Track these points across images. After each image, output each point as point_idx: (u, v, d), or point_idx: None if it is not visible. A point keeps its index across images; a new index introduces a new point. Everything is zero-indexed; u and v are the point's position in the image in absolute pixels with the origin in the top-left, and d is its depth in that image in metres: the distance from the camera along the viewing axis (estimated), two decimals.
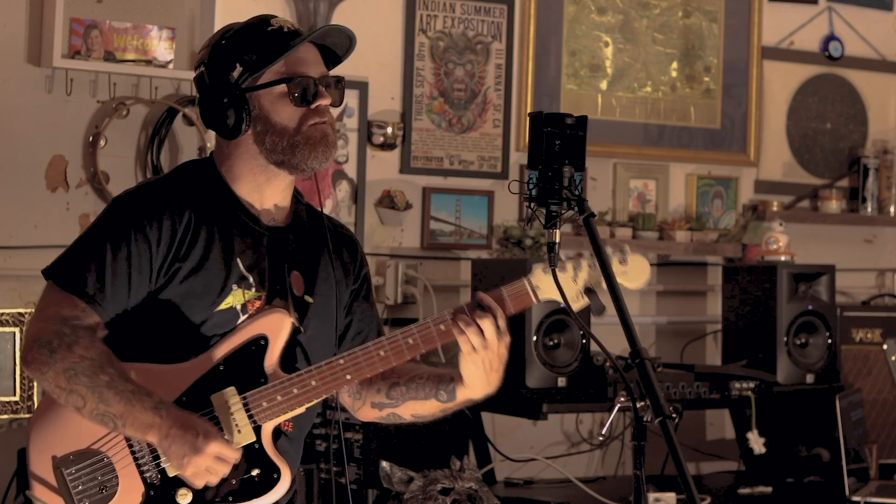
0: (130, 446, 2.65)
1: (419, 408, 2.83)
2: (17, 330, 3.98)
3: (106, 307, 2.65)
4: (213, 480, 2.61)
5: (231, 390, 2.66)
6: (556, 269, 2.62)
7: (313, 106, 2.71)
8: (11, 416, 3.97)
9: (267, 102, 2.71)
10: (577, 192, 2.48)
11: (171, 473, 2.63)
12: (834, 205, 5.44)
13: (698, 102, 5.27)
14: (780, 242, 4.94)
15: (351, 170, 4.60)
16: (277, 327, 2.71)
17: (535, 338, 4.27)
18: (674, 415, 2.22)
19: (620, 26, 5.12)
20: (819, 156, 5.56)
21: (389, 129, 4.67)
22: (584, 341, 4.34)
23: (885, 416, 4.94)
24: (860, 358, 5.00)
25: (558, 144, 2.49)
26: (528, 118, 2.54)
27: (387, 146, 4.68)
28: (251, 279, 2.72)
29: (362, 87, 4.60)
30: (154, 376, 2.66)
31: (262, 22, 2.76)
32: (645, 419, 2.27)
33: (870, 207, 5.50)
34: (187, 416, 2.61)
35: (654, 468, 4.66)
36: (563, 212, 2.50)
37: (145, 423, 2.59)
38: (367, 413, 2.90)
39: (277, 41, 2.71)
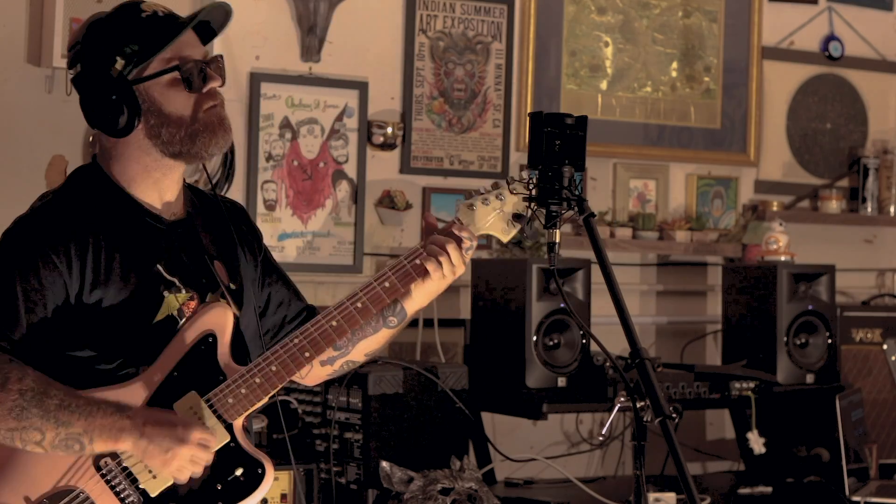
0: (102, 475, 2.54)
1: (371, 344, 2.76)
2: None
3: (22, 345, 2.51)
4: (198, 471, 2.53)
5: (192, 395, 2.58)
6: (481, 203, 2.66)
7: (205, 90, 2.61)
8: None
9: (157, 93, 2.59)
10: (577, 192, 2.47)
11: (155, 473, 2.54)
12: (834, 205, 5.44)
13: (698, 102, 5.27)
14: (780, 242, 4.94)
15: (351, 170, 4.60)
16: (222, 321, 2.62)
17: (535, 338, 4.27)
18: (674, 415, 2.22)
19: (620, 26, 5.12)
20: (819, 156, 5.56)
21: (389, 129, 4.66)
22: (584, 341, 4.34)
23: (885, 416, 4.94)
24: (860, 358, 5.00)
25: (558, 144, 2.48)
26: (528, 118, 2.53)
27: (387, 146, 4.67)
28: (177, 281, 2.62)
29: (362, 87, 4.60)
30: (108, 400, 2.53)
31: (133, 8, 2.62)
32: (645, 419, 2.27)
33: (870, 207, 5.50)
34: (156, 411, 2.53)
35: (654, 468, 4.66)
36: (563, 212, 2.49)
37: (114, 429, 2.49)
38: (318, 374, 2.82)
39: (158, 28, 2.58)
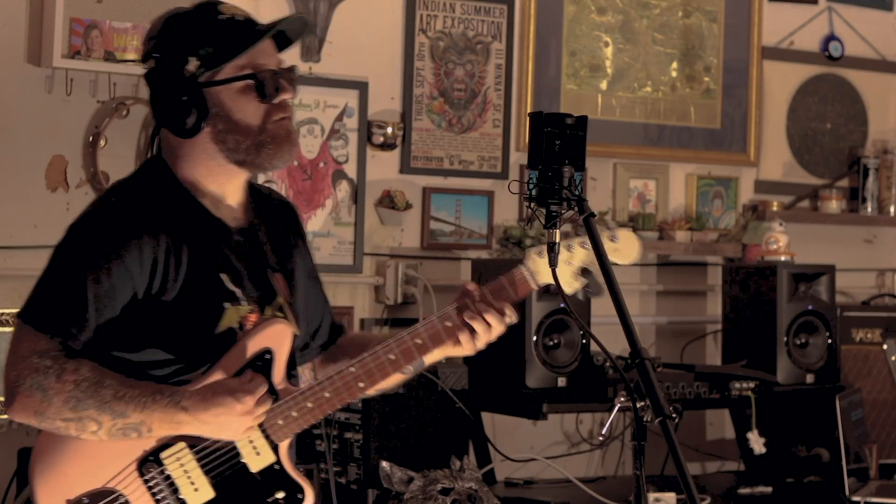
0: (146, 481, 2.52)
1: (384, 384, 2.72)
2: None
3: (85, 345, 2.50)
4: (260, 420, 2.52)
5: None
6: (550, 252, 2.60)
7: (277, 101, 2.58)
8: None
9: (227, 99, 2.55)
10: (577, 192, 2.47)
11: (197, 486, 2.52)
12: (834, 205, 5.44)
13: (698, 102, 5.27)
14: (780, 242, 4.94)
15: (351, 170, 4.60)
16: (280, 339, 2.59)
17: (535, 338, 4.27)
18: (674, 415, 2.22)
19: (620, 26, 5.12)
20: (819, 156, 5.56)
21: (389, 129, 4.66)
22: (584, 341, 4.34)
23: (885, 416, 4.94)
24: (860, 358, 5.00)
25: (558, 144, 2.48)
26: (528, 118, 2.53)
27: (387, 146, 4.67)
28: (239, 293, 2.58)
29: (362, 87, 4.60)
30: (162, 389, 2.50)
31: (210, 9, 2.58)
32: (645, 419, 2.27)
33: (870, 207, 5.50)
34: (207, 392, 2.48)
35: (654, 468, 4.66)
36: (563, 212, 2.48)
37: (173, 421, 2.47)
38: None
39: (235, 32, 2.54)
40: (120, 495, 2.51)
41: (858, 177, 5.51)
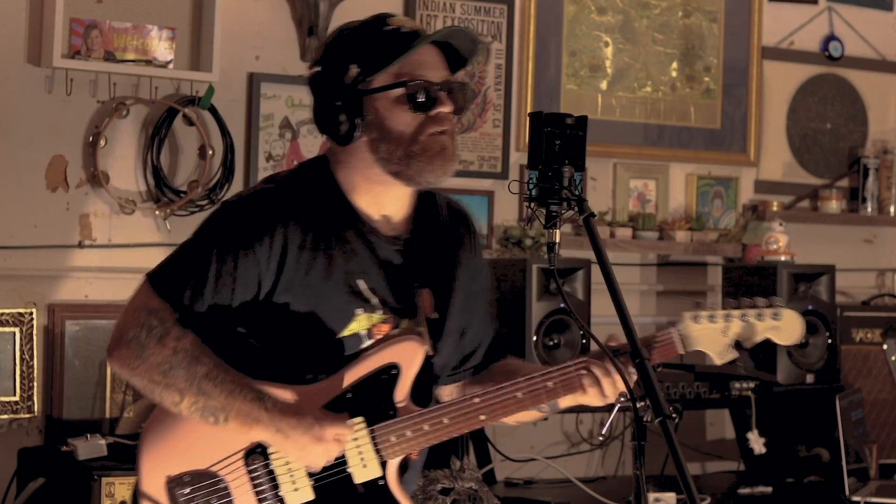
0: (249, 472, 2.51)
1: (523, 416, 2.64)
2: (17, 330, 3.98)
3: (196, 319, 2.49)
4: (331, 459, 2.49)
5: (359, 421, 2.51)
6: (707, 320, 2.55)
7: (432, 113, 2.52)
8: (11, 416, 3.97)
9: (382, 107, 2.52)
10: (577, 192, 2.46)
11: (291, 462, 2.49)
12: (834, 205, 5.44)
13: (698, 102, 5.27)
14: (780, 242, 4.94)
15: None
16: (410, 356, 2.53)
17: (535, 338, 4.27)
18: (674, 415, 2.21)
19: (620, 26, 5.12)
20: (819, 156, 5.56)
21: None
22: (584, 341, 4.34)
23: (885, 416, 4.94)
24: (860, 358, 5.00)
25: (558, 144, 2.47)
26: (528, 118, 2.53)
27: None
28: (375, 301, 2.54)
29: None
30: (251, 385, 2.48)
31: (379, 21, 2.57)
32: (645, 419, 2.27)
33: (870, 207, 5.50)
34: (294, 405, 2.47)
35: (654, 468, 4.66)
36: (563, 212, 2.47)
37: (250, 418, 2.45)
38: None
39: (395, 42, 2.52)
40: (221, 480, 2.51)
41: (858, 177, 5.51)
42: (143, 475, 2.54)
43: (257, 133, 4.46)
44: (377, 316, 2.54)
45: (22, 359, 3.98)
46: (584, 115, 2.50)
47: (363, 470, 2.51)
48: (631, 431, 4.17)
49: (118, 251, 4.26)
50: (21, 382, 3.98)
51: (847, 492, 4.38)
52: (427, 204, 2.67)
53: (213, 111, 4.34)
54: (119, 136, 4.25)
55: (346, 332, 2.52)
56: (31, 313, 4.01)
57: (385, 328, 2.54)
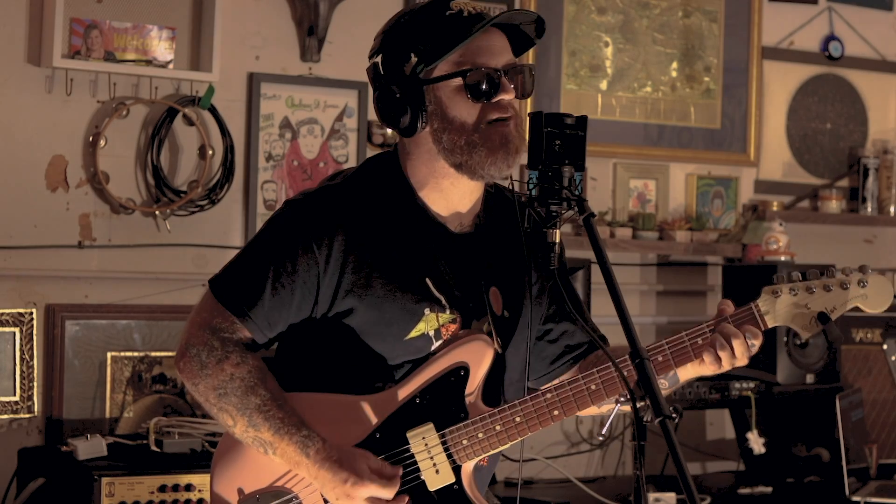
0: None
1: (589, 412, 2.57)
2: (17, 330, 3.98)
3: (260, 326, 2.45)
4: None
5: (429, 427, 2.45)
6: (787, 292, 2.51)
7: (493, 100, 2.43)
8: (11, 416, 3.97)
9: (444, 96, 2.43)
10: (577, 192, 2.46)
11: None
12: (834, 205, 5.44)
13: (698, 102, 5.27)
14: (780, 242, 4.94)
15: None
16: (479, 356, 2.46)
17: None
18: (674, 415, 2.21)
19: (620, 26, 5.12)
20: (819, 156, 5.56)
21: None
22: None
23: (885, 416, 4.94)
24: (860, 358, 5.00)
25: (558, 144, 2.46)
26: (527, 118, 2.52)
27: (387, 146, 4.67)
28: (443, 300, 2.47)
29: (362, 88, 4.60)
30: (343, 408, 2.46)
31: (440, 4, 2.47)
32: (645, 419, 2.27)
33: (870, 207, 5.50)
34: (337, 455, 2.42)
35: (654, 468, 4.66)
36: (563, 212, 2.46)
37: (293, 460, 2.42)
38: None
39: (456, 27, 2.41)
40: (294, 497, 2.48)
41: (858, 177, 5.51)
42: (216, 490, 2.52)
43: (257, 133, 4.46)
44: (445, 316, 2.48)
45: (22, 359, 3.98)
46: (584, 115, 2.49)
47: (436, 476, 2.46)
48: (631, 431, 4.17)
49: (118, 251, 4.26)
50: (21, 382, 3.98)
51: (847, 492, 4.38)
52: (497, 199, 2.62)
53: (213, 111, 4.34)
54: (119, 136, 4.25)
55: (413, 334, 2.46)
56: (31, 313, 4.01)
57: (453, 328, 2.49)
